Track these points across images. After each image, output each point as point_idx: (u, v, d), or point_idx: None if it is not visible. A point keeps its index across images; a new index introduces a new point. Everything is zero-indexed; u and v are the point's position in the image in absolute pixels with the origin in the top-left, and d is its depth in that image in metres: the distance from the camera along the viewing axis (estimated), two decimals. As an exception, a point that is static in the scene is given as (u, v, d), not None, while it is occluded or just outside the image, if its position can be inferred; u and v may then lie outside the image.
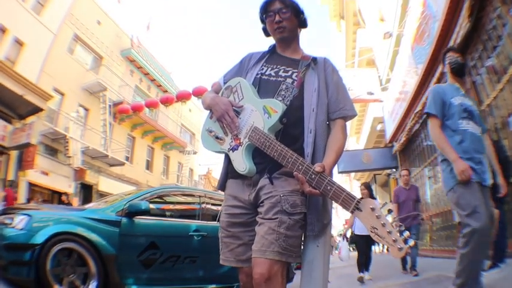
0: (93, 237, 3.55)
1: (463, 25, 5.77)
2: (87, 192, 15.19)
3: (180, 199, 4.93)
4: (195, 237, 4.27)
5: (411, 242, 1.19)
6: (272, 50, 1.76)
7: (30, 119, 11.70)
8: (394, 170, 13.28)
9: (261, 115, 1.49)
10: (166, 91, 21.06)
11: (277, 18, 1.62)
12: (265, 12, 1.67)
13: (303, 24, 1.72)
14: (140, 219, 3.96)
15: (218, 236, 1.62)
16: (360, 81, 13.35)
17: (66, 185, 13.91)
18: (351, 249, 13.69)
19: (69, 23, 14.80)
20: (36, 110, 11.59)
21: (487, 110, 5.80)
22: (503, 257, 4.07)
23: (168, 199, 4.75)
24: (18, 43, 12.50)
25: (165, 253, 4.00)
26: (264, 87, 1.60)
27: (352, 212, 1.28)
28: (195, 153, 24.07)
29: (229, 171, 1.63)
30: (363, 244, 5.82)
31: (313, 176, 1.33)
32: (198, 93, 14.77)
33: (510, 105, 5.16)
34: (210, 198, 4.85)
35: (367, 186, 6.07)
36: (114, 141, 16.81)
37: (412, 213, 5.66)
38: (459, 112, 2.53)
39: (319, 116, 1.55)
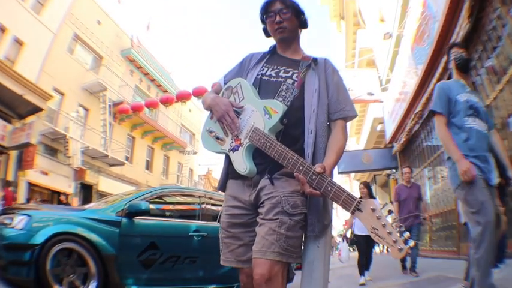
0: (93, 237, 3.55)
1: (463, 26, 5.78)
2: (87, 192, 15.19)
3: (180, 199, 4.93)
4: (195, 238, 4.27)
5: (411, 243, 1.20)
6: (272, 50, 1.76)
7: (30, 119, 11.69)
8: (394, 170, 13.29)
9: (261, 116, 1.49)
10: (166, 91, 21.05)
11: (277, 18, 1.62)
12: (265, 12, 1.67)
13: (304, 24, 1.72)
14: (140, 220, 3.96)
15: (218, 237, 1.62)
16: (360, 82, 13.35)
17: (66, 185, 13.90)
18: (351, 249, 13.68)
19: (69, 22, 14.80)
20: (36, 109, 11.58)
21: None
22: (503, 257, 4.06)
23: (168, 199, 4.74)
24: (18, 43, 12.49)
25: (165, 253, 4.00)
26: (265, 88, 1.60)
27: (352, 213, 1.28)
28: (195, 153, 24.07)
29: (229, 172, 1.63)
30: (363, 244, 5.75)
31: (313, 177, 1.33)
32: (198, 93, 14.77)
33: (510, 106, 5.16)
34: (210, 198, 4.85)
35: (366, 185, 5.99)
36: (114, 141, 16.81)
37: (413, 214, 5.59)
38: (465, 109, 2.50)
39: (320, 116, 1.55)
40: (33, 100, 11.24)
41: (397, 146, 11.69)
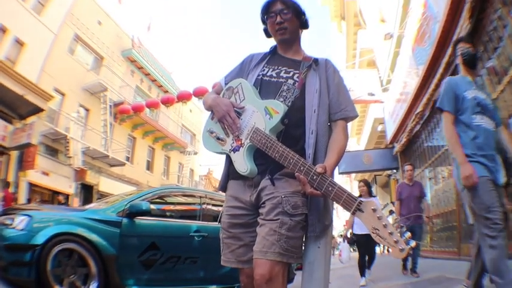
0: (94, 237, 3.55)
1: (463, 26, 5.77)
2: (87, 192, 15.20)
3: (180, 200, 4.93)
4: (196, 238, 4.27)
5: (412, 243, 1.19)
6: (273, 51, 1.76)
7: (31, 119, 11.71)
8: (394, 171, 13.28)
9: (262, 116, 1.49)
10: (167, 91, 21.07)
11: (278, 19, 1.62)
12: (266, 13, 1.67)
13: (304, 25, 1.72)
14: (141, 220, 3.96)
15: (219, 237, 1.62)
16: (360, 82, 13.35)
17: (67, 186, 13.93)
18: (352, 250, 13.66)
19: (69, 23, 14.82)
20: (37, 110, 11.60)
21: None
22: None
23: (168, 200, 4.75)
24: (19, 43, 12.52)
25: (165, 254, 4.00)
26: (266, 88, 1.60)
27: (353, 213, 1.27)
28: (195, 153, 24.08)
29: (230, 172, 1.63)
30: (363, 244, 5.60)
31: (314, 177, 1.32)
32: (199, 93, 14.78)
33: (511, 107, 5.15)
34: (211, 198, 4.85)
35: (366, 183, 5.90)
36: (115, 141, 16.82)
37: (415, 214, 5.51)
38: (472, 106, 2.45)
39: (321, 117, 1.55)
40: (34, 100, 11.26)
41: (397, 147, 11.68)
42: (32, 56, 12.77)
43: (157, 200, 4.42)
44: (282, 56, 1.71)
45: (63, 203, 10.66)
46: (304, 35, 1.77)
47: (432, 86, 7.53)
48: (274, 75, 1.63)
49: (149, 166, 20.33)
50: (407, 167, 6.05)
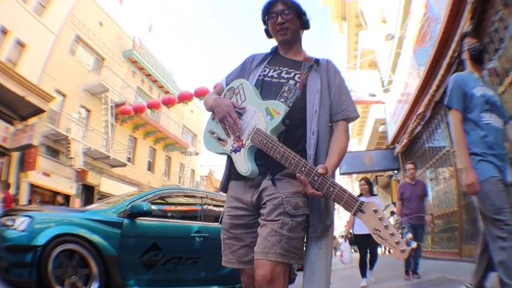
0: (95, 238, 3.55)
1: (464, 27, 5.76)
2: (88, 193, 15.20)
3: (182, 200, 4.93)
4: (197, 239, 4.27)
5: (414, 244, 1.19)
6: (274, 51, 1.76)
7: (32, 120, 11.73)
8: (396, 171, 13.26)
9: (263, 117, 1.49)
10: (168, 92, 21.09)
11: (279, 19, 1.62)
12: (267, 13, 1.67)
13: (305, 25, 1.72)
14: (142, 221, 3.96)
15: (220, 238, 1.62)
16: (361, 83, 13.33)
17: (68, 186, 13.93)
18: (353, 250, 13.63)
19: (70, 24, 14.85)
20: (38, 111, 11.61)
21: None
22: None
23: (169, 200, 4.75)
24: (20, 44, 12.54)
25: (167, 254, 4.00)
26: (267, 89, 1.60)
27: (354, 214, 1.27)
28: (196, 154, 24.09)
29: (231, 173, 1.63)
30: (363, 244, 5.54)
31: (315, 178, 1.32)
32: (200, 94, 14.77)
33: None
34: (212, 199, 4.84)
35: (367, 182, 5.85)
36: (116, 142, 16.84)
37: (418, 214, 5.44)
38: (481, 104, 2.39)
39: (322, 117, 1.55)
40: (35, 102, 11.27)
41: (399, 147, 11.66)
42: (33, 57, 12.79)
43: (159, 201, 4.42)
44: (283, 56, 1.71)
45: (62, 204, 10.65)
46: (305, 35, 1.77)
47: (433, 87, 7.51)
48: (276, 75, 1.63)
49: (150, 167, 20.34)
50: (409, 166, 5.92)
